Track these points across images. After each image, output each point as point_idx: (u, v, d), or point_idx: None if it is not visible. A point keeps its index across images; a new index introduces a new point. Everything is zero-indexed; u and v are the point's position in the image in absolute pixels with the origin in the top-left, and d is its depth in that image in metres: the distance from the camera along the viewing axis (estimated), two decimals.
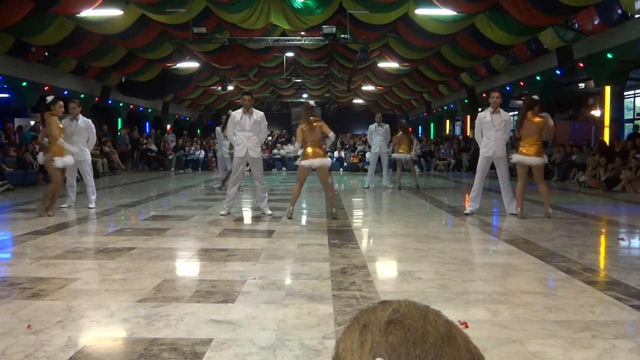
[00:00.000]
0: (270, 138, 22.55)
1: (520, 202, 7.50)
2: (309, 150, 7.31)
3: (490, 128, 7.63)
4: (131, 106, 22.24)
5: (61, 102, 7.63)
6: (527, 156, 7.25)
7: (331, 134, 7.57)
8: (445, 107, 26.11)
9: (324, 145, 7.76)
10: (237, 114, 7.53)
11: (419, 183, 12.79)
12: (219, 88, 22.94)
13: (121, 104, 21.50)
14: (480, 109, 23.96)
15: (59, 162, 7.47)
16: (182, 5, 11.99)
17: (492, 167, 7.95)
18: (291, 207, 7.52)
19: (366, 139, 24.43)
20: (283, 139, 23.98)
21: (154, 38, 14.32)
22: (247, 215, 8.19)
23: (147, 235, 6.07)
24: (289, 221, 7.26)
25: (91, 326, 3.10)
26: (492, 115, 7.63)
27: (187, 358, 2.63)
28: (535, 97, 7.55)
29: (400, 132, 12.47)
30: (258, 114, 7.57)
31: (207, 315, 3.27)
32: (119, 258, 4.86)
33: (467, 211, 7.86)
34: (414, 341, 0.70)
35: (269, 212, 7.72)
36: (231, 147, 9.39)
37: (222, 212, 7.71)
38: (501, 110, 7.69)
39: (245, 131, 7.47)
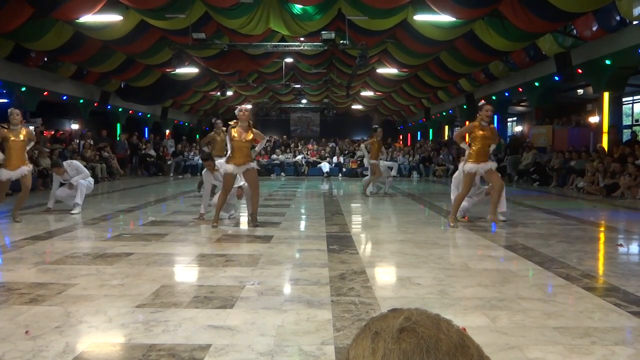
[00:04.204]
0: (269, 143, 22.53)
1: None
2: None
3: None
4: (130, 111, 22.25)
5: (17, 111, 7.47)
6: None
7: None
8: (444, 113, 26.13)
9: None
10: (207, 176, 7.93)
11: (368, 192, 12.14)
12: (218, 93, 22.94)
13: (120, 109, 21.51)
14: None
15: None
16: (181, 11, 12.01)
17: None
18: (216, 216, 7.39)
19: (365, 145, 24.58)
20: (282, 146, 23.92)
21: (154, 43, 14.34)
22: (245, 221, 8.17)
23: (146, 241, 6.07)
24: (289, 227, 7.25)
25: (89, 332, 3.09)
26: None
27: None
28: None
29: (378, 139, 11.66)
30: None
31: (205, 320, 3.26)
32: (117, 263, 4.86)
33: (458, 215, 7.84)
34: (427, 349, 0.69)
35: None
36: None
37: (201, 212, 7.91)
38: None
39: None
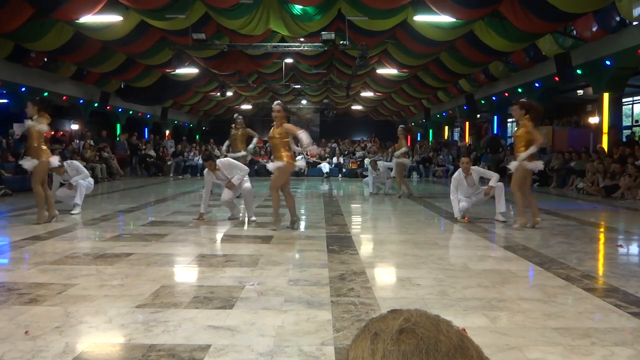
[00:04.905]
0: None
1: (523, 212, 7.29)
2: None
3: (465, 189, 7.99)
4: (130, 112, 22.26)
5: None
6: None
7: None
8: (444, 114, 26.14)
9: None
10: (209, 176, 7.89)
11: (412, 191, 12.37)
12: (218, 94, 22.95)
13: (120, 110, 21.52)
14: (478, 115, 24.07)
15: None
16: (181, 12, 12.01)
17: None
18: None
19: (365, 144, 24.61)
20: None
21: (154, 44, 14.34)
22: (245, 221, 8.17)
23: (146, 241, 6.07)
24: (288, 227, 7.24)
25: (89, 332, 3.09)
26: (466, 178, 7.92)
27: None
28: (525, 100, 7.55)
29: (401, 137, 12.22)
30: (224, 166, 7.85)
31: (205, 321, 3.26)
32: (117, 264, 4.85)
33: (457, 215, 7.85)
34: (427, 350, 0.69)
35: (253, 218, 7.79)
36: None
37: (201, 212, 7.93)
38: (473, 172, 7.97)
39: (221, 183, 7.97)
